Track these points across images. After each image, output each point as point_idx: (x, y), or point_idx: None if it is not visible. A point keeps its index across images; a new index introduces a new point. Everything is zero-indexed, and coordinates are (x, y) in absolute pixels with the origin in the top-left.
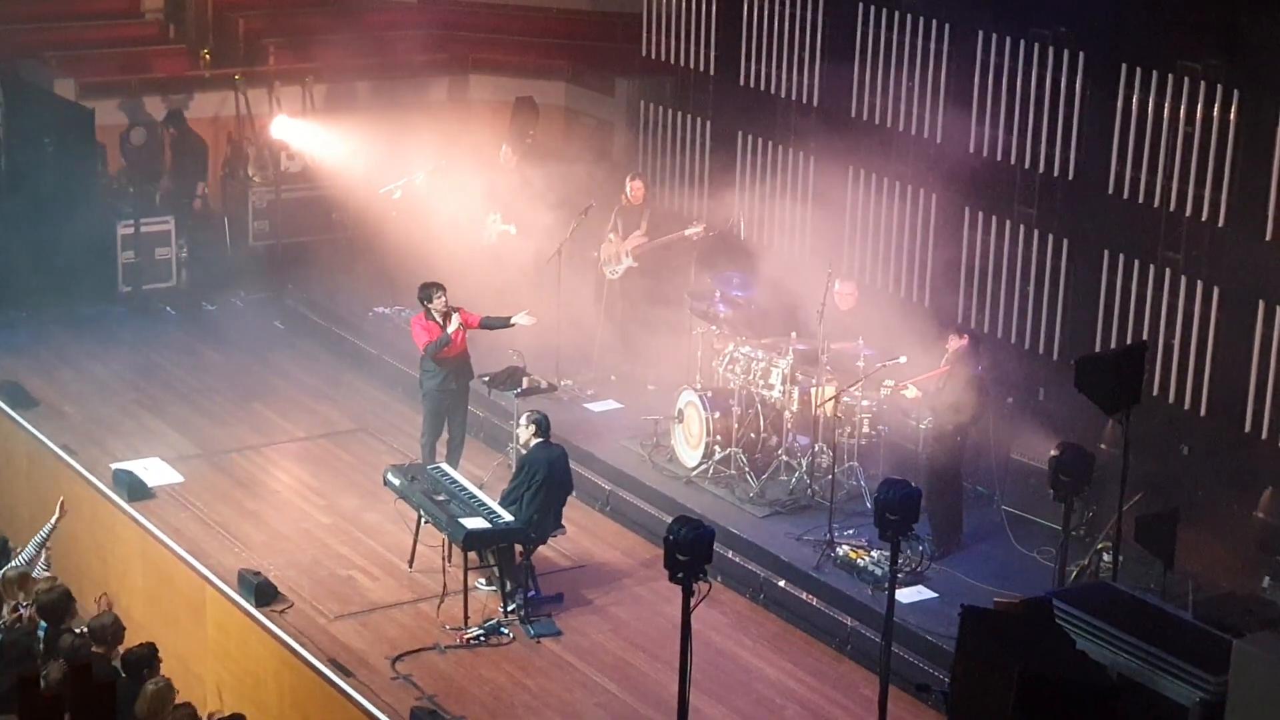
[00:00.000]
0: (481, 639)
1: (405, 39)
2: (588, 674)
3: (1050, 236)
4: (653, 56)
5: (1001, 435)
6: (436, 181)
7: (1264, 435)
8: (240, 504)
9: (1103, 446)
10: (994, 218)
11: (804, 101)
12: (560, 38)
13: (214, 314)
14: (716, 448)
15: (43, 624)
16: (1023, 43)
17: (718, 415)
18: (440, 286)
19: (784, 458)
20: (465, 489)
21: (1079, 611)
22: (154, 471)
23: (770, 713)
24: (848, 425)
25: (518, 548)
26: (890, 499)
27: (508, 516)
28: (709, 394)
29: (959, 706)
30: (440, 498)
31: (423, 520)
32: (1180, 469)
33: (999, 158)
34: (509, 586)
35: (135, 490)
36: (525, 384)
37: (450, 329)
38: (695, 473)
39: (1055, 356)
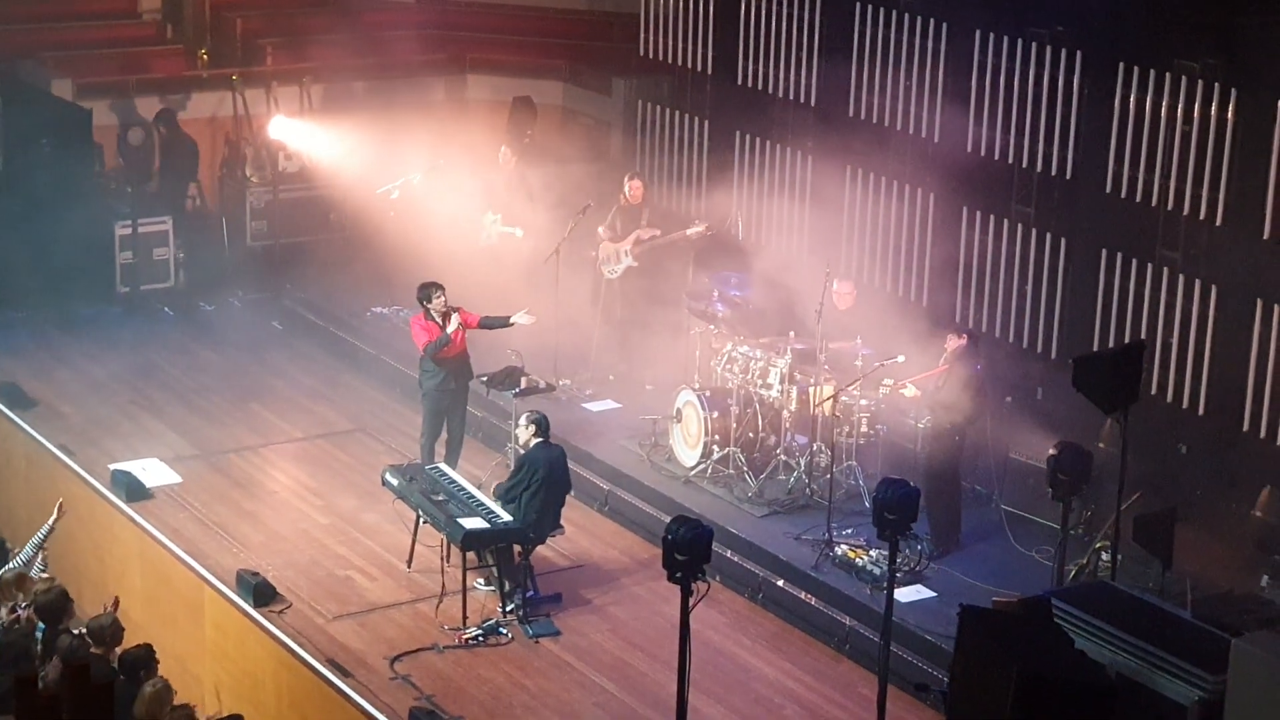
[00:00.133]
0: (480, 639)
1: (403, 39)
2: (586, 674)
3: (1048, 235)
4: (650, 56)
5: (1000, 434)
6: (434, 181)
7: (1262, 434)
8: (238, 504)
9: (1101, 445)
10: (992, 217)
11: (801, 101)
12: (558, 37)
13: (212, 314)
14: (715, 447)
15: (41, 624)
16: (1020, 42)
17: (716, 415)
18: (439, 286)
19: (782, 457)
20: (464, 489)
21: (1077, 611)
22: (152, 472)
23: (769, 712)
24: (846, 424)
25: (516, 548)
26: (889, 498)
27: (506, 516)
28: (707, 394)
29: (957, 706)
30: (439, 498)
31: (421, 520)
32: (1178, 468)
33: (997, 157)
34: (507, 586)
35: (133, 491)
36: (523, 384)
37: (450, 329)
38: (693, 472)
39: (1053, 355)
